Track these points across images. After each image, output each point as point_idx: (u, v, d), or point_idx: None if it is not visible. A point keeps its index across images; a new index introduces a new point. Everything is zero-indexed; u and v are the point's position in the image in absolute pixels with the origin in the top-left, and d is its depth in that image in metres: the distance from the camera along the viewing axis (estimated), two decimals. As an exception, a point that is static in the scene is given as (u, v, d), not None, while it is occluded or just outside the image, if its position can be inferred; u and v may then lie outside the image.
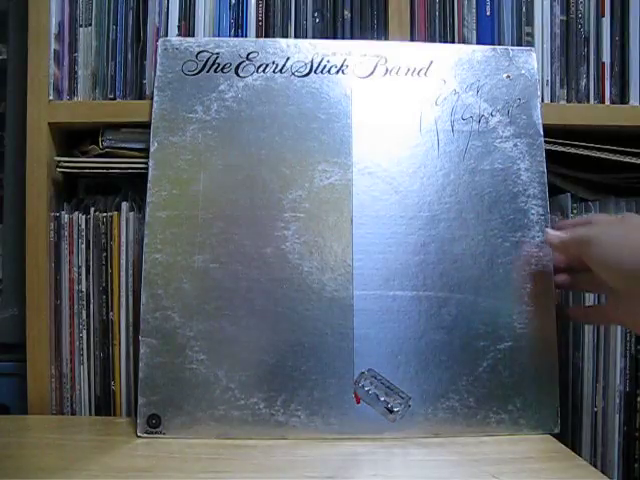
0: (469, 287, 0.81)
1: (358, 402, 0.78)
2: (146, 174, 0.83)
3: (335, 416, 0.79)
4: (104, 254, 0.87)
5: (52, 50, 0.89)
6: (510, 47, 0.88)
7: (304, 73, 0.85)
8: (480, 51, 0.87)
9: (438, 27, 0.92)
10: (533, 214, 0.83)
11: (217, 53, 0.85)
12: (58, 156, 0.89)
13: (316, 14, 0.91)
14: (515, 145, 0.84)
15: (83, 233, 0.87)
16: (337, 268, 0.81)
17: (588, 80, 0.91)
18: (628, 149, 0.86)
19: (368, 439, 0.78)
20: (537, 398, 0.80)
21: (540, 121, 0.86)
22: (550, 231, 0.79)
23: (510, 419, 0.80)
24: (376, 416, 0.78)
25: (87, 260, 0.87)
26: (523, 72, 0.87)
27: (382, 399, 0.78)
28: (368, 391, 0.78)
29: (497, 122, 0.85)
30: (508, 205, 0.83)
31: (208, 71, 0.85)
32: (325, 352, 0.79)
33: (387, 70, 0.86)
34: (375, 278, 0.81)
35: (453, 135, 0.84)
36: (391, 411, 0.78)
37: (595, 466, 0.82)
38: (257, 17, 0.91)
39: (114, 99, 0.90)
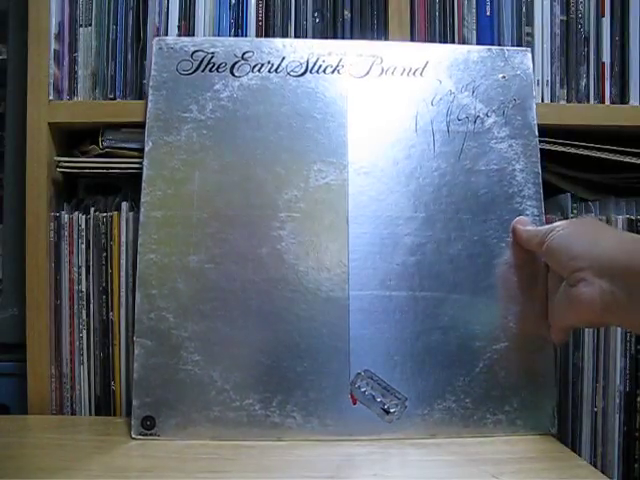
0: (465, 287, 0.81)
1: (354, 403, 0.78)
2: (143, 174, 0.84)
3: (331, 417, 0.78)
4: (104, 254, 0.87)
5: (52, 50, 0.89)
6: (506, 47, 0.88)
7: (300, 73, 0.85)
8: (476, 51, 0.87)
9: (438, 27, 0.92)
10: (528, 215, 0.82)
11: (212, 53, 0.85)
12: (58, 156, 0.90)
13: (316, 14, 0.91)
14: (510, 146, 0.84)
15: (83, 233, 0.87)
16: (333, 268, 0.81)
17: (588, 80, 0.91)
18: (628, 149, 0.86)
19: (365, 440, 0.77)
20: (534, 398, 0.80)
21: (535, 122, 0.85)
22: (519, 226, 0.81)
23: (507, 420, 0.79)
24: (373, 417, 0.78)
25: (87, 260, 0.87)
26: (518, 72, 0.87)
27: (378, 400, 0.78)
28: (364, 392, 0.78)
29: (492, 123, 0.85)
30: (503, 206, 0.83)
31: (203, 71, 0.85)
32: (321, 353, 0.79)
33: (383, 70, 0.85)
34: (371, 278, 0.81)
35: (449, 136, 0.84)
36: (387, 412, 0.78)
37: (595, 466, 0.82)
38: (257, 17, 0.91)
39: (114, 99, 0.90)
